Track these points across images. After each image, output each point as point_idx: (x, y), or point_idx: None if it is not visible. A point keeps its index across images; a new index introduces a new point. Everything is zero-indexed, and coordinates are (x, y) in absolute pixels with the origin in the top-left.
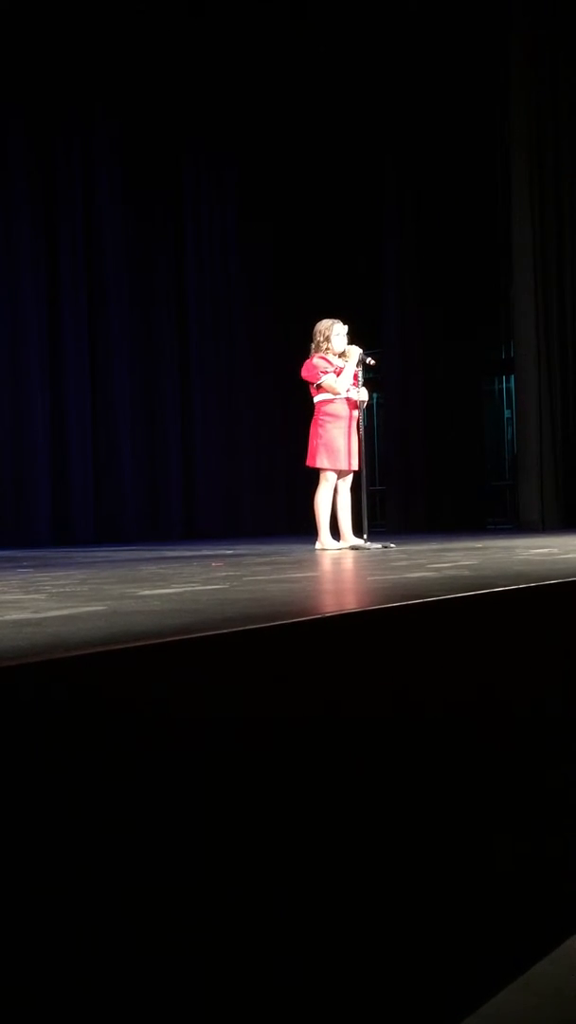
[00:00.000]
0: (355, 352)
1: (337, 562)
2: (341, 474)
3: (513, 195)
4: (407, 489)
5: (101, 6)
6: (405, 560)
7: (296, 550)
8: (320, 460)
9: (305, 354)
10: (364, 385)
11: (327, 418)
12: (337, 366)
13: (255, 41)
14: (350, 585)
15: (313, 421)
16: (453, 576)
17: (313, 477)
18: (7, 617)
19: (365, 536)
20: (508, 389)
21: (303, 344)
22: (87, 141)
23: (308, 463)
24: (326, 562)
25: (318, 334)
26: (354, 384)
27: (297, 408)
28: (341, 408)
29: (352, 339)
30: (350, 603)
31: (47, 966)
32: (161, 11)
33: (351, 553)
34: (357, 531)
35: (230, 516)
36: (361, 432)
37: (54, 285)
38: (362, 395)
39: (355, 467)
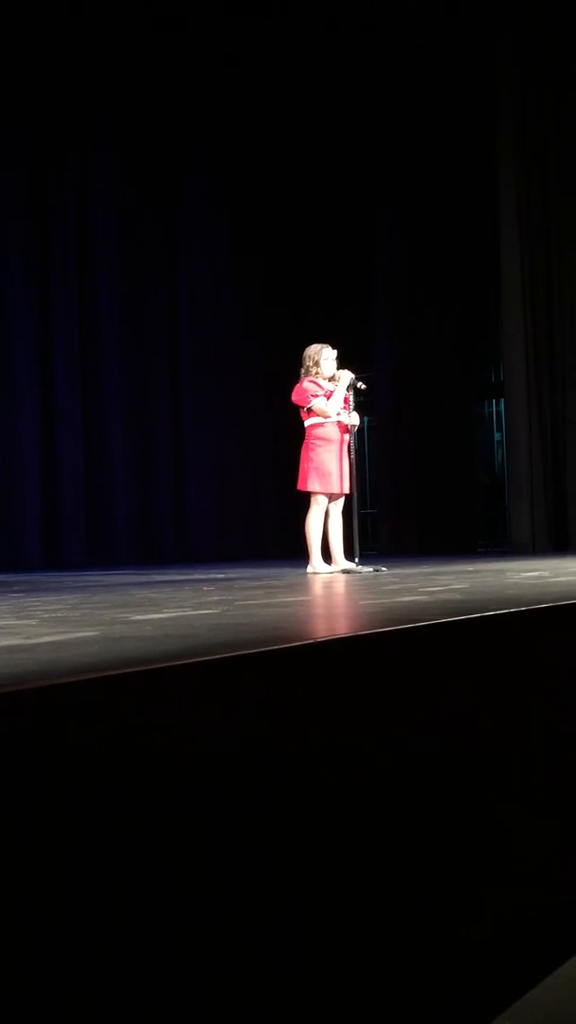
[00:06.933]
0: (346, 376)
1: (329, 586)
2: (332, 497)
3: (502, 219)
4: (398, 512)
5: (102, 36)
6: (397, 584)
7: (288, 574)
8: (311, 484)
9: (295, 378)
10: (355, 409)
11: (318, 442)
12: (327, 389)
13: (249, 72)
14: (342, 609)
15: (304, 445)
16: (445, 600)
17: (304, 501)
18: None
19: (356, 560)
20: (498, 412)
21: (293, 369)
22: (82, 174)
23: (299, 487)
24: (318, 586)
25: (307, 359)
26: (345, 408)
27: (288, 432)
28: (332, 432)
29: (342, 363)
30: (342, 628)
31: (48, 966)
32: (160, 44)
33: (343, 577)
34: (348, 554)
35: (221, 539)
36: (352, 455)
37: (45, 307)
38: (353, 419)
39: (346, 490)
